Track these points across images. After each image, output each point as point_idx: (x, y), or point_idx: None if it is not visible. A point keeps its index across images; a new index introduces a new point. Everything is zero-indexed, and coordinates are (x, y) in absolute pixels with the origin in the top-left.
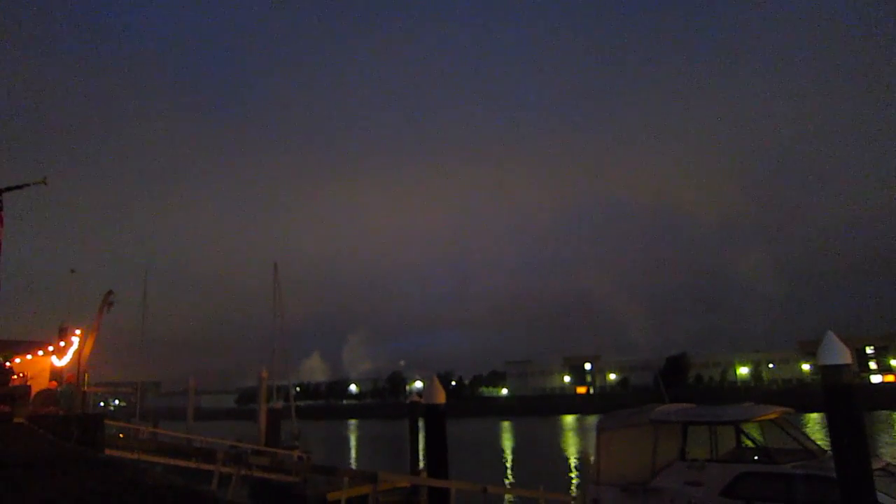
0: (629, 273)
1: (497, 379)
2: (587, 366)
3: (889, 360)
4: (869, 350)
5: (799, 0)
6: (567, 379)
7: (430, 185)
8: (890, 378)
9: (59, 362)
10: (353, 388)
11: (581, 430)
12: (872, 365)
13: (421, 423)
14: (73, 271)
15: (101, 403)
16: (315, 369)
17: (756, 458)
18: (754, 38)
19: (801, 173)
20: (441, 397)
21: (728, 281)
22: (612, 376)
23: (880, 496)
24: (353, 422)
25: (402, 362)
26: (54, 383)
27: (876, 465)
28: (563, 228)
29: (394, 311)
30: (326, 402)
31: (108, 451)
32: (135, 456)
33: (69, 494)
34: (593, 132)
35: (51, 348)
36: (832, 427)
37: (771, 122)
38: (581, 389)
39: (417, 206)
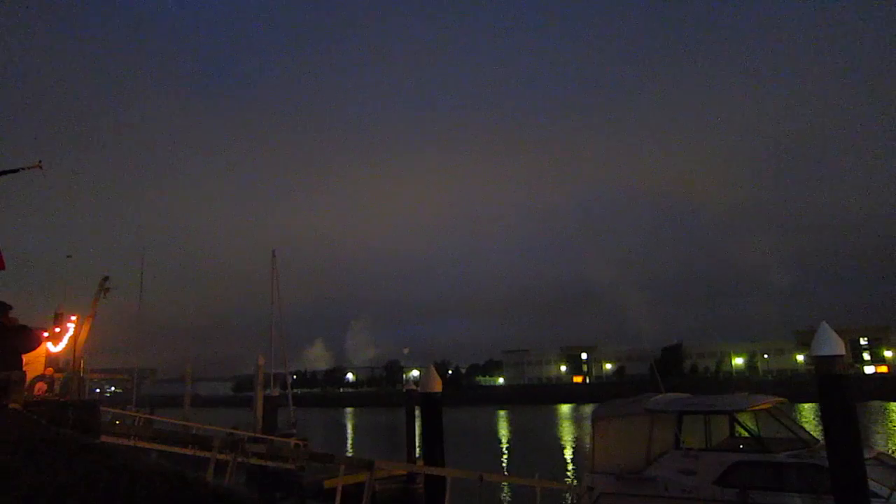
0: (633, 262)
1: (494, 368)
2: (583, 355)
3: (882, 351)
4: (863, 341)
5: None
6: (563, 368)
7: (435, 173)
8: (883, 369)
9: (55, 348)
10: (350, 376)
11: (577, 419)
12: (866, 356)
13: (418, 412)
14: (69, 257)
15: (97, 390)
16: (318, 357)
17: (750, 447)
18: (766, 31)
19: (810, 166)
20: (437, 386)
21: (732, 271)
22: (609, 366)
23: (872, 485)
24: (349, 410)
25: (406, 350)
26: (51, 370)
27: (868, 454)
28: (567, 218)
29: (395, 300)
30: (323, 390)
31: (103, 438)
32: (130, 442)
33: (58, 480)
34: (600, 122)
35: (46, 334)
36: (825, 417)
37: (781, 115)
38: (577, 379)
39: (421, 195)
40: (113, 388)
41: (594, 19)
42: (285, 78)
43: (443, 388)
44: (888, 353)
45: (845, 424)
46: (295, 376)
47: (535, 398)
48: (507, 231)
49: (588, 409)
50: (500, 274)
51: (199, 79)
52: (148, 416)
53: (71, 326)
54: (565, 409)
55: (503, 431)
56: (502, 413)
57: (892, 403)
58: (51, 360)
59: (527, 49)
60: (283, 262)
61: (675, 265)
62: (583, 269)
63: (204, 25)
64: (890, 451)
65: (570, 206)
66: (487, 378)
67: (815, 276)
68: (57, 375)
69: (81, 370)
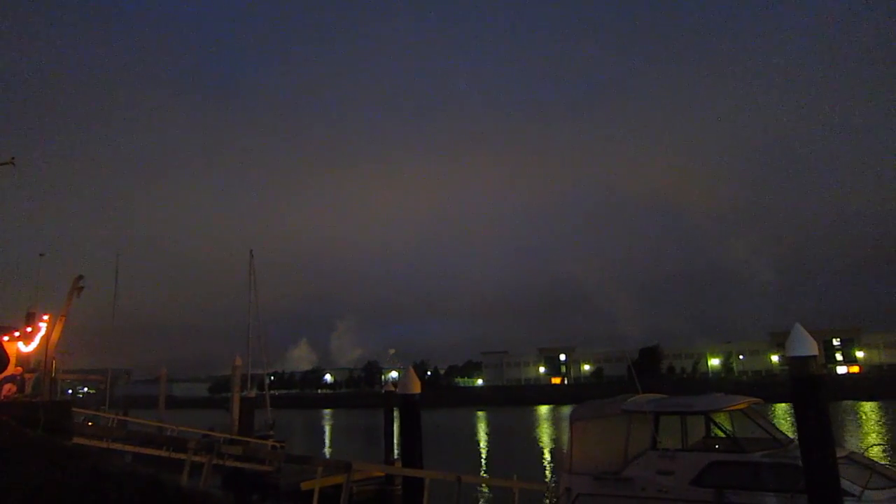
0: (615, 264)
1: (473, 369)
2: (562, 357)
3: (854, 351)
4: (836, 342)
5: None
6: (542, 370)
7: (418, 175)
8: (855, 369)
9: (26, 348)
10: (328, 377)
11: (555, 420)
12: (839, 356)
13: (396, 413)
14: (41, 255)
15: (69, 391)
16: (302, 357)
17: (725, 447)
18: (753, 34)
19: (794, 169)
20: (416, 387)
21: (716, 273)
22: (587, 367)
23: (844, 483)
24: (328, 411)
25: (392, 351)
26: (20, 369)
27: (840, 453)
28: (550, 220)
29: (376, 301)
30: (301, 391)
31: (76, 440)
32: (104, 444)
33: (28, 483)
34: (584, 123)
35: (17, 334)
36: (799, 417)
37: (767, 118)
38: (556, 380)
39: (404, 196)
40: (86, 389)
41: (583, 21)
42: (266, 78)
43: (421, 390)
44: (860, 354)
45: (818, 424)
46: (273, 377)
47: (513, 399)
48: (489, 232)
49: (566, 410)
50: (479, 275)
51: (177, 79)
52: (122, 417)
53: (43, 326)
54: (544, 410)
55: (482, 433)
56: (481, 414)
57: (863, 403)
58: (22, 360)
59: (512, 49)
60: (267, 262)
61: (659, 267)
62: (564, 270)
63: (185, 25)
64: (862, 450)
65: (553, 208)
66: (466, 379)
67: (793, 278)
68: (27, 376)
69: (53, 371)
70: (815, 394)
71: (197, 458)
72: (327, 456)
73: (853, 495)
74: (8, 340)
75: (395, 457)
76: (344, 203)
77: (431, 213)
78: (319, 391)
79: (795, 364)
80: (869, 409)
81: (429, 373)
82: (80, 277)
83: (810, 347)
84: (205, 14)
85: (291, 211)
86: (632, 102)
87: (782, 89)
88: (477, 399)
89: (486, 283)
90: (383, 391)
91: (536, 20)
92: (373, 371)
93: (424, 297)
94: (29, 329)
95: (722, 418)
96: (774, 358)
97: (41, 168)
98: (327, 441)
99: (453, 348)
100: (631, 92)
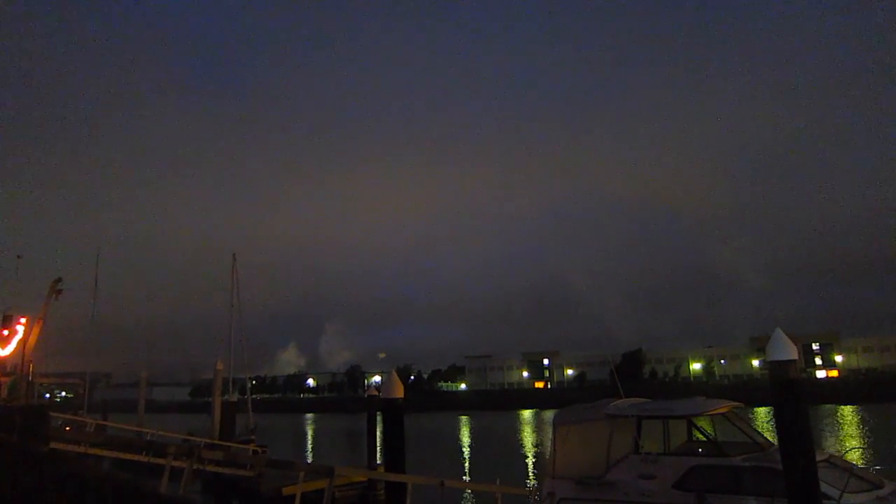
0: (604, 268)
1: (456, 373)
2: (545, 361)
3: (833, 356)
4: (815, 346)
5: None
6: (525, 374)
7: (407, 178)
8: (834, 373)
9: (2, 352)
10: (310, 381)
11: (538, 424)
12: (818, 361)
13: (379, 418)
14: (19, 257)
15: (47, 395)
16: (291, 360)
17: (707, 451)
18: (744, 40)
19: (780, 177)
20: (399, 392)
21: (705, 277)
22: (570, 372)
23: (823, 486)
24: (310, 416)
25: (381, 354)
26: None
27: (820, 456)
28: (540, 224)
29: (363, 304)
30: (284, 395)
31: (52, 445)
32: (81, 449)
33: (1, 491)
34: (576, 127)
35: None
36: (779, 420)
37: (758, 123)
38: (539, 384)
39: (391, 200)
40: (64, 393)
41: (573, 27)
42: (252, 79)
43: (405, 394)
44: (839, 358)
45: (798, 428)
46: (255, 381)
47: (497, 404)
48: (475, 236)
49: (549, 414)
50: (465, 279)
51: (160, 79)
52: (100, 421)
53: (20, 329)
54: (527, 414)
55: (465, 437)
56: (464, 419)
57: (842, 407)
58: None
59: (503, 54)
60: (255, 264)
61: (645, 271)
62: (550, 274)
63: (173, 24)
64: (841, 454)
65: (542, 213)
66: (450, 383)
67: (774, 283)
68: (3, 379)
69: (30, 374)
70: (795, 398)
71: (177, 464)
72: (309, 461)
73: (832, 498)
74: None
75: (378, 461)
76: (332, 206)
77: (419, 216)
78: (302, 395)
79: (775, 368)
80: (847, 412)
81: (412, 377)
82: (59, 280)
83: (790, 352)
84: (193, 13)
85: (278, 213)
86: (624, 105)
87: (775, 94)
88: (460, 403)
89: (471, 287)
90: (366, 395)
91: (533, 23)
92: (356, 375)
93: (409, 300)
94: (5, 332)
95: (704, 422)
96: (755, 362)
97: (19, 168)
98: (309, 446)
99: (437, 352)
100: (623, 94)
